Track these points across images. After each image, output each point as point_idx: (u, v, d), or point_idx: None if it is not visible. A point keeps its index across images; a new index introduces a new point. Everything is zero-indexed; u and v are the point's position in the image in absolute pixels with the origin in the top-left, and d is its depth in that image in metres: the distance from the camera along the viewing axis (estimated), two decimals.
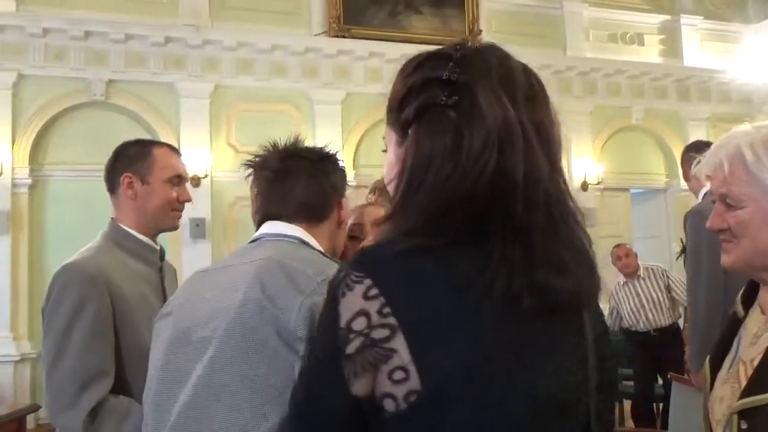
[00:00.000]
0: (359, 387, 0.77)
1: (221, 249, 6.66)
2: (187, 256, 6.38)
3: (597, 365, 0.87)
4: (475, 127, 0.82)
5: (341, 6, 7.42)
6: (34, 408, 4.95)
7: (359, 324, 0.76)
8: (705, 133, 8.99)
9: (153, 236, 1.87)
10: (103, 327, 1.60)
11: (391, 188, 0.92)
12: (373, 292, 0.77)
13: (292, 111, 7.29)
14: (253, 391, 1.07)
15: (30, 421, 5.23)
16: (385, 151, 1.00)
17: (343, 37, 7.40)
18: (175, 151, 1.95)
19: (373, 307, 0.76)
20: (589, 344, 0.87)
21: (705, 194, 3.07)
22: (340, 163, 1.50)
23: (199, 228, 6.62)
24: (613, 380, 0.93)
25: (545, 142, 0.86)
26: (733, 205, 1.19)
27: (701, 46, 9.21)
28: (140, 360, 1.58)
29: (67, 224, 6.21)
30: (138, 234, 1.83)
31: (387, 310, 0.76)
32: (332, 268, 1.03)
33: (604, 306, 6.36)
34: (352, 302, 0.77)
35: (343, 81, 7.45)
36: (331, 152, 1.51)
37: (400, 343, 0.75)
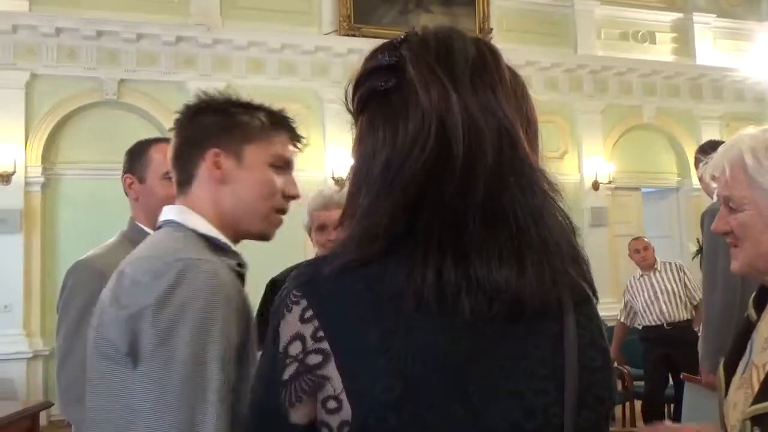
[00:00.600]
0: (297, 416, 0.71)
1: None
2: None
3: (579, 379, 0.73)
4: (410, 110, 0.74)
5: (351, 5, 7.42)
6: (47, 405, 4.98)
7: (295, 348, 0.71)
8: (718, 132, 8.92)
9: None
10: None
11: (345, 190, 0.84)
12: (308, 314, 0.71)
13: (302, 110, 7.29)
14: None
15: (42, 417, 5.27)
16: None
17: (353, 35, 7.40)
18: None
19: (308, 330, 0.71)
20: (569, 354, 0.74)
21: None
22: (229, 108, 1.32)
23: None
24: (603, 394, 0.77)
25: (495, 113, 0.75)
26: (735, 209, 1.20)
27: (714, 44, 9.15)
28: None
29: (79, 223, 6.26)
30: (152, 231, 1.80)
31: (320, 334, 0.70)
32: (165, 259, 1.04)
33: (615, 302, 6.34)
34: (291, 324, 0.72)
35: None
36: (214, 99, 1.33)
37: (332, 370, 0.69)
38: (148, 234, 1.77)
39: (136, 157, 1.87)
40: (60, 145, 6.60)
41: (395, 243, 0.71)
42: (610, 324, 6.79)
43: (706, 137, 8.79)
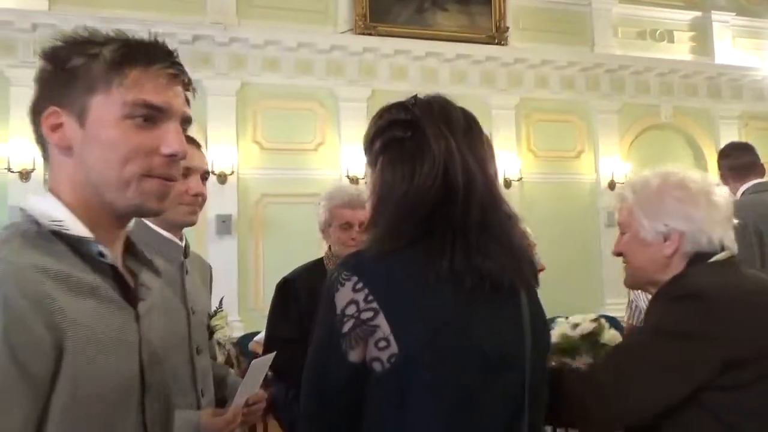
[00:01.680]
0: (354, 355, 1.06)
1: (247, 245, 6.72)
2: (212, 252, 6.43)
3: (532, 334, 1.15)
4: (426, 155, 1.12)
5: (367, 3, 7.42)
6: None
7: (350, 309, 1.06)
8: (736, 132, 8.82)
9: (175, 231, 1.77)
10: None
11: (368, 207, 1.21)
12: (359, 286, 1.06)
13: (317, 108, 7.32)
14: None
15: None
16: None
17: (369, 34, 7.40)
18: (190, 142, 1.77)
19: (360, 296, 1.05)
20: (525, 318, 1.15)
21: (743, 192, 3.05)
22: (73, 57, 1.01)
23: (225, 224, 6.68)
24: (546, 347, 1.26)
25: (480, 161, 1.16)
26: (623, 233, 1.56)
27: (733, 42, 9.04)
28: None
29: None
30: (160, 229, 1.74)
31: (370, 298, 1.05)
32: None
33: (621, 301, 6.27)
34: (345, 295, 1.06)
35: (368, 78, 7.46)
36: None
37: (381, 321, 1.04)
38: (153, 231, 1.72)
39: None
40: None
41: (414, 242, 1.09)
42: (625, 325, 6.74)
43: (724, 137, 8.70)
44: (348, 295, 1.06)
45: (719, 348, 1.27)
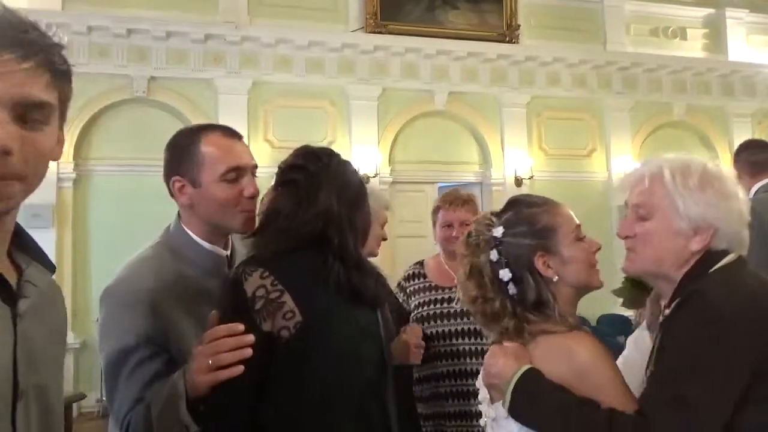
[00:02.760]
0: (266, 326, 1.33)
1: None
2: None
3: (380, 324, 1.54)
4: (311, 203, 1.44)
5: (378, 2, 7.42)
6: (81, 396, 5.06)
7: (260, 292, 1.34)
8: (750, 130, 8.75)
9: (221, 241, 1.60)
10: (148, 360, 1.45)
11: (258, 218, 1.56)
12: (266, 274, 1.35)
13: (328, 107, 7.33)
14: None
15: (73, 409, 5.38)
16: None
17: (380, 32, 7.40)
18: (229, 135, 1.58)
19: (267, 282, 1.34)
20: (383, 323, 1.56)
21: (757, 190, 3.02)
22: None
23: None
24: (391, 333, 1.79)
25: (354, 228, 1.48)
26: (644, 216, 1.37)
27: (747, 40, 8.96)
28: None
29: (110, 218, 6.38)
30: (202, 241, 1.56)
31: (276, 282, 1.35)
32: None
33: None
34: (253, 282, 1.34)
35: (379, 77, 7.46)
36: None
37: (287, 298, 1.34)
38: (194, 243, 1.56)
39: (186, 154, 1.53)
40: (91, 142, 6.71)
41: (304, 247, 1.42)
42: None
43: (737, 135, 8.63)
44: (256, 282, 1.34)
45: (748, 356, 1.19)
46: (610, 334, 6.49)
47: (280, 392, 1.35)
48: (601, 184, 8.16)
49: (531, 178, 7.76)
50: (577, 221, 1.41)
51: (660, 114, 8.56)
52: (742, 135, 8.66)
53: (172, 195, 1.58)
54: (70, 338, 6.27)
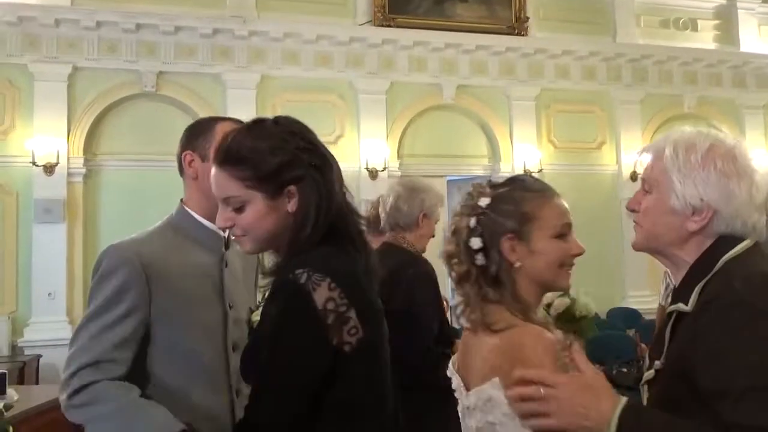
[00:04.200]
0: (334, 340, 1.30)
1: None
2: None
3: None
4: (329, 185, 1.40)
5: None
6: None
7: (330, 305, 1.29)
8: (762, 122, 8.68)
9: None
10: (129, 318, 1.55)
11: (264, 234, 1.41)
12: (333, 285, 1.29)
13: (336, 101, 7.33)
14: None
15: None
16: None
17: (388, 26, 7.38)
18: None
19: (335, 294, 1.29)
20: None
21: None
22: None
23: None
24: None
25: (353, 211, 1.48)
26: (647, 190, 1.36)
27: (759, 31, 8.87)
28: (179, 357, 1.57)
29: (120, 212, 6.41)
30: (202, 219, 1.69)
31: (343, 295, 1.30)
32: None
33: (652, 295, 6.22)
34: (322, 293, 1.29)
35: (387, 70, 7.45)
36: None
37: (353, 313, 1.31)
38: (194, 221, 1.69)
39: (200, 132, 1.71)
40: (101, 137, 6.74)
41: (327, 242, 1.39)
42: (649, 317, 6.68)
43: (749, 127, 8.57)
44: (325, 294, 1.29)
45: None
46: (620, 327, 6.47)
47: (333, 407, 1.32)
48: (610, 177, 8.12)
49: (540, 171, 7.72)
50: (569, 220, 1.39)
51: (670, 106, 8.50)
52: (753, 127, 8.61)
53: (181, 171, 1.74)
54: None
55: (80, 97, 6.59)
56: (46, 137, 6.33)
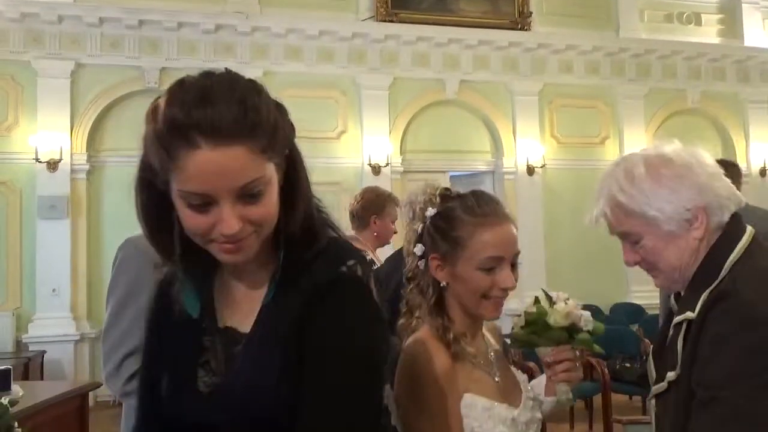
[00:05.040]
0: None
1: None
2: None
3: None
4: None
5: None
6: (96, 385, 5.09)
7: (378, 299, 1.03)
8: (766, 116, 8.65)
9: None
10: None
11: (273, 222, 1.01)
12: (372, 280, 1.02)
13: (339, 97, 7.32)
14: None
15: (89, 398, 5.43)
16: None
17: (391, 21, 7.37)
18: None
19: (375, 289, 1.02)
20: None
21: None
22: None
23: None
24: None
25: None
26: (635, 240, 1.33)
27: (763, 25, 8.83)
28: None
29: (123, 208, 6.32)
30: None
31: (377, 291, 1.03)
32: None
33: (651, 290, 6.22)
34: (371, 287, 1.02)
35: (390, 66, 7.43)
36: None
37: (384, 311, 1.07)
38: None
39: None
40: (104, 133, 6.75)
41: None
42: (652, 312, 6.67)
43: (753, 122, 8.55)
44: (372, 288, 1.03)
45: None
46: (623, 322, 6.47)
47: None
48: None
49: (543, 166, 7.72)
50: (500, 254, 1.32)
51: (674, 101, 8.47)
52: (757, 122, 8.58)
53: None
54: (86, 328, 6.34)
55: (83, 94, 6.60)
56: (49, 134, 6.34)
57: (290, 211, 1.00)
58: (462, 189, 1.45)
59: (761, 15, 8.82)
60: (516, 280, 1.35)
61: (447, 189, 1.40)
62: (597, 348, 1.47)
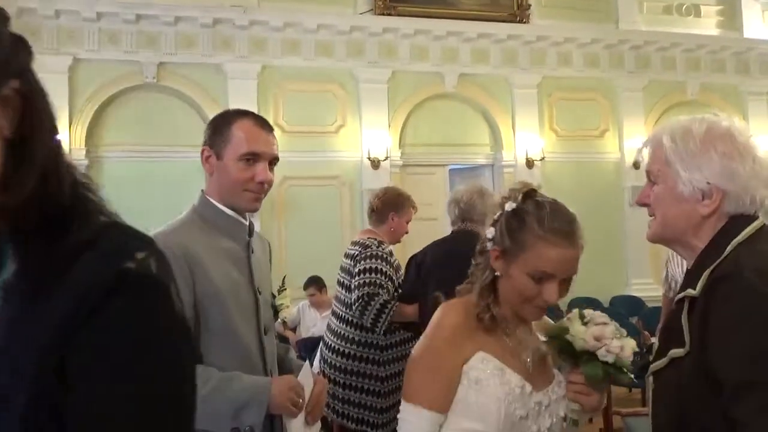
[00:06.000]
0: None
1: (270, 228, 6.76)
2: None
3: None
4: None
5: None
6: None
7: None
8: (765, 109, 8.64)
9: (239, 211, 1.79)
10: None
11: None
12: None
13: (338, 90, 7.31)
14: None
15: None
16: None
17: (389, 14, 7.34)
18: (260, 124, 1.78)
19: None
20: None
21: None
22: None
23: None
24: None
25: None
26: (653, 182, 1.39)
27: (762, 16, 8.81)
28: (225, 338, 1.66)
29: (123, 203, 6.25)
30: (225, 208, 1.75)
31: None
32: None
33: (654, 283, 6.23)
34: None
35: (388, 59, 7.42)
36: None
37: None
38: (219, 210, 1.75)
39: (218, 130, 1.76)
40: (102, 128, 6.74)
41: None
42: (652, 305, 6.69)
43: (752, 114, 8.53)
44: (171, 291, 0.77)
45: None
46: (623, 315, 6.48)
47: None
48: (613, 164, 8.10)
49: (542, 159, 7.71)
50: (551, 270, 1.35)
51: (673, 93, 8.46)
52: (757, 114, 8.57)
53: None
54: None
55: (81, 89, 6.58)
56: None
57: (23, 170, 0.68)
58: (541, 198, 1.45)
59: (761, 7, 8.80)
60: (566, 294, 1.39)
61: (533, 191, 1.43)
62: (618, 381, 1.47)
